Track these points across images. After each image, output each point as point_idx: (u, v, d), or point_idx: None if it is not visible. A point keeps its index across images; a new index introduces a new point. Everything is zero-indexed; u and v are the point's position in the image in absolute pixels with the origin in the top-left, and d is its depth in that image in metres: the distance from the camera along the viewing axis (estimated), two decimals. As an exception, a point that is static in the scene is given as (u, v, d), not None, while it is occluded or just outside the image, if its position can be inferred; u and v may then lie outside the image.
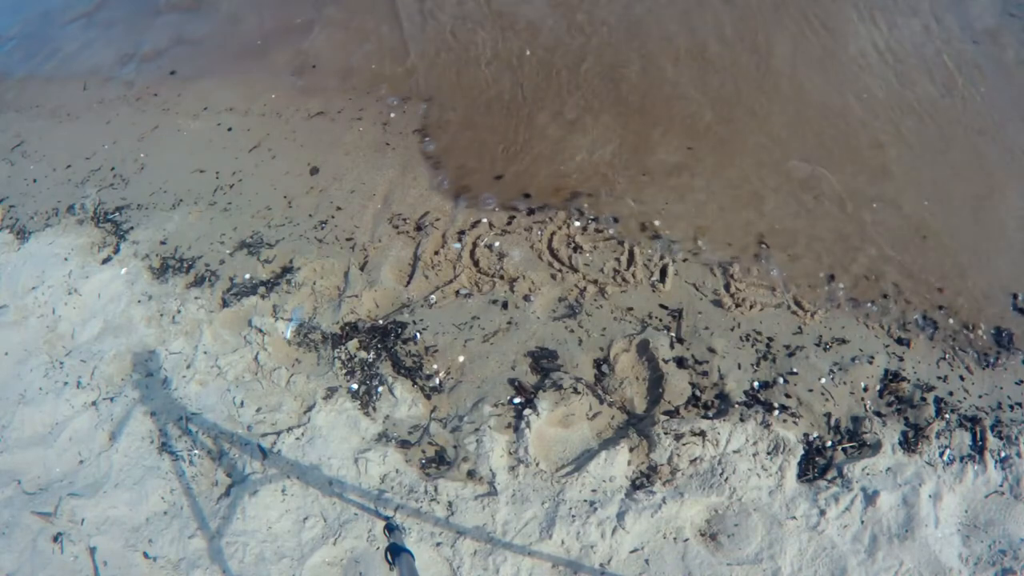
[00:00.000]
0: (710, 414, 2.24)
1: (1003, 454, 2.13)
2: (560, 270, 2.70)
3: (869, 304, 2.51)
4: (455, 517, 2.04)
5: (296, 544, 2.05)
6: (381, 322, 2.60)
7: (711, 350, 2.40)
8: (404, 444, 2.25)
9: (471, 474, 2.13)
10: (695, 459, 2.12)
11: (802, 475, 2.10)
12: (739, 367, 2.36)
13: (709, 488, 2.05)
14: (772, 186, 2.97)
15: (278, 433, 2.30)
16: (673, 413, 2.23)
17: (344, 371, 2.45)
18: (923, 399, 2.24)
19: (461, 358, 2.46)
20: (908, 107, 3.26)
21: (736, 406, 2.24)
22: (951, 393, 2.28)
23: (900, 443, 2.15)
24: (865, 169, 3.01)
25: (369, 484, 2.15)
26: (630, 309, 2.56)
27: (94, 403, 2.50)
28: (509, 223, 2.90)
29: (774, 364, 2.37)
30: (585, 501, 2.05)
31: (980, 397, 2.28)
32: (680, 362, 2.37)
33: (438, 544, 2.01)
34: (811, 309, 2.51)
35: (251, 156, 3.44)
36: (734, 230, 2.82)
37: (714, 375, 2.33)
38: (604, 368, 2.38)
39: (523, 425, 2.21)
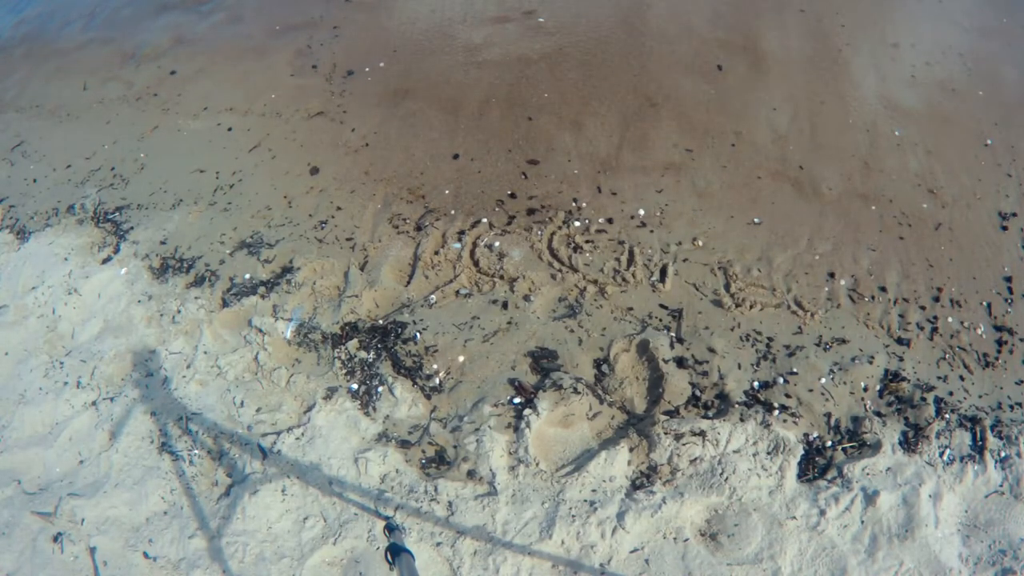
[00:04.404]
0: (710, 414, 2.24)
1: (1003, 454, 2.13)
2: (560, 270, 2.70)
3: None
4: (455, 517, 2.04)
5: (296, 544, 2.05)
6: (381, 322, 2.60)
7: (711, 350, 2.40)
8: (404, 444, 2.25)
9: (471, 474, 2.13)
10: (695, 459, 2.12)
11: (802, 475, 2.10)
12: (739, 367, 2.36)
13: (709, 488, 2.05)
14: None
15: (278, 433, 2.30)
16: (673, 413, 2.23)
17: (344, 371, 2.45)
18: (923, 399, 2.25)
19: (461, 358, 2.46)
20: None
21: (736, 406, 2.23)
22: (951, 393, 2.28)
23: (900, 443, 2.15)
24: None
25: (369, 484, 2.15)
26: (630, 309, 2.56)
27: (94, 403, 2.50)
28: (509, 223, 2.90)
29: (774, 364, 2.37)
30: (585, 501, 2.05)
31: (980, 397, 2.28)
32: (680, 362, 2.37)
33: (438, 544, 2.01)
34: (811, 309, 2.51)
35: (251, 156, 3.44)
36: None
37: (714, 375, 2.33)
38: (604, 368, 2.38)
39: (523, 425, 2.21)
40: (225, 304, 2.73)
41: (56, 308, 2.84)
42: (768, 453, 2.12)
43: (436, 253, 2.81)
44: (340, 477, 2.16)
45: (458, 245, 2.83)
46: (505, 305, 2.60)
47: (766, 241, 2.76)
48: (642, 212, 2.89)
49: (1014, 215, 2.84)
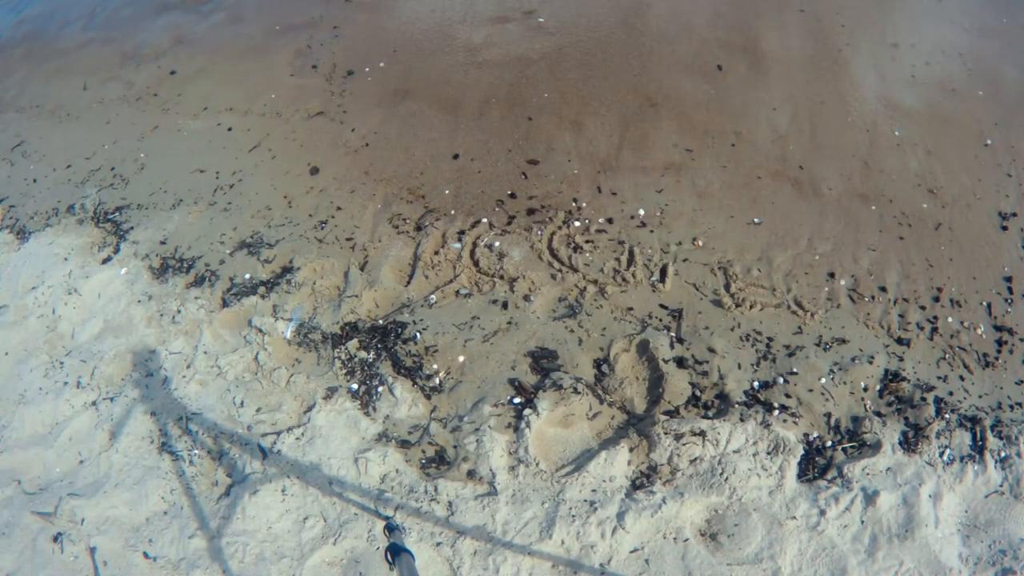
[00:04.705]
0: (710, 414, 2.24)
1: (1003, 454, 2.13)
2: (560, 270, 2.70)
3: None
4: (455, 517, 2.04)
5: (296, 544, 2.05)
6: (381, 322, 2.60)
7: (711, 350, 2.40)
8: (404, 444, 2.25)
9: (471, 474, 2.13)
10: (695, 459, 2.12)
11: (802, 475, 2.10)
12: (739, 367, 2.36)
13: (709, 488, 2.05)
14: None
15: (278, 433, 2.30)
16: (673, 413, 2.23)
17: (344, 371, 2.45)
18: (923, 399, 2.25)
19: (461, 358, 2.46)
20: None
21: (736, 406, 2.23)
22: (951, 393, 2.28)
23: (900, 443, 2.15)
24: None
25: (369, 484, 2.15)
26: (630, 309, 2.56)
27: (94, 403, 2.50)
28: (509, 223, 2.90)
29: (774, 364, 2.37)
30: (585, 501, 2.05)
31: (980, 397, 2.28)
32: (680, 362, 2.37)
33: (438, 544, 2.01)
34: (811, 309, 2.51)
35: (251, 156, 3.44)
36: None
37: (714, 375, 2.33)
38: (604, 368, 2.38)
39: (523, 425, 2.21)
40: (225, 304, 2.73)
41: (56, 308, 2.84)
42: (768, 453, 2.12)
43: (436, 253, 2.81)
44: (340, 477, 2.16)
45: (458, 245, 2.83)
46: (505, 305, 2.60)
47: (766, 241, 2.76)
48: (642, 212, 2.89)
49: (1014, 215, 2.84)
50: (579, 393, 2.28)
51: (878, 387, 2.30)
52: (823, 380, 2.30)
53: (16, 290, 2.96)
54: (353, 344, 2.51)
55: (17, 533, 2.16)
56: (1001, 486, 2.07)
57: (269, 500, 2.13)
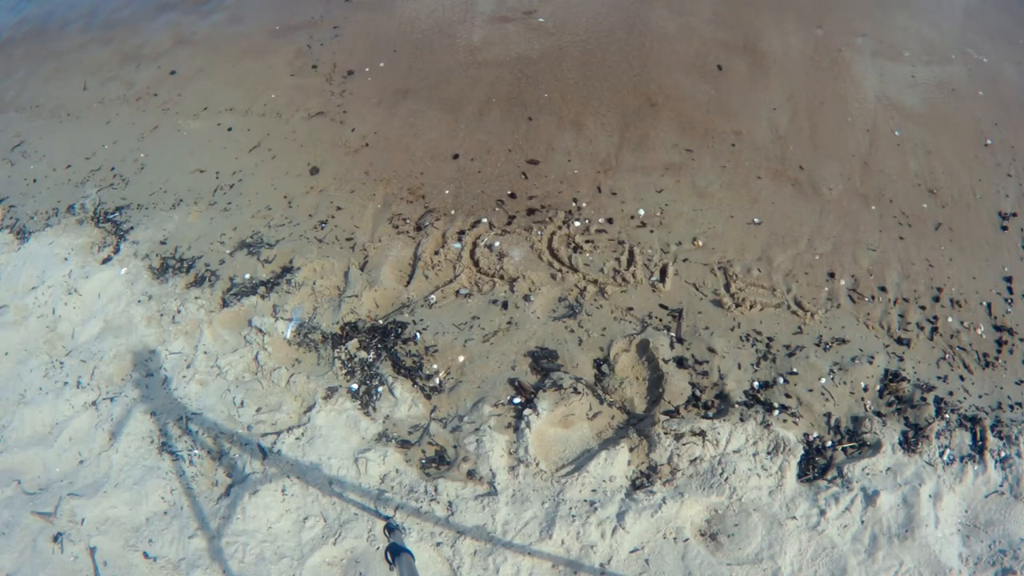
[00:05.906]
0: (710, 414, 2.24)
1: (1003, 454, 2.13)
2: (560, 270, 2.70)
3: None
4: (455, 517, 2.04)
5: (296, 544, 2.05)
6: (381, 322, 2.60)
7: (711, 350, 2.40)
8: (404, 444, 2.25)
9: (471, 474, 2.13)
10: (695, 459, 2.12)
11: (802, 475, 2.10)
12: (739, 367, 2.36)
13: (709, 488, 2.06)
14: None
15: (278, 433, 2.30)
16: (673, 413, 2.23)
17: (344, 371, 2.45)
18: (923, 399, 2.25)
19: (461, 358, 2.46)
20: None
21: (736, 406, 2.23)
22: (951, 393, 2.28)
23: (900, 443, 2.15)
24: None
25: (369, 484, 2.15)
26: (630, 309, 2.56)
27: (94, 403, 2.50)
28: (509, 223, 2.90)
29: (774, 364, 2.37)
30: (585, 501, 2.05)
31: (980, 397, 2.28)
32: (680, 362, 2.37)
33: (438, 544, 2.01)
34: (811, 309, 2.51)
35: (251, 156, 3.44)
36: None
37: (714, 375, 2.33)
38: (604, 368, 2.38)
39: (523, 425, 2.21)
40: (225, 304, 2.73)
41: (56, 308, 2.84)
42: (768, 453, 2.12)
43: (436, 253, 2.81)
44: (340, 477, 2.16)
45: (458, 245, 2.83)
46: (505, 305, 2.60)
47: (766, 241, 2.76)
48: (642, 212, 2.89)
49: (1014, 215, 2.84)
50: (579, 393, 2.28)
51: (878, 387, 2.30)
52: (823, 380, 2.30)
53: (16, 290, 2.96)
54: (353, 344, 2.51)
55: (17, 533, 2.16)
56: (1001, 486, 2.07)
57: (269, 500, 2.13)
